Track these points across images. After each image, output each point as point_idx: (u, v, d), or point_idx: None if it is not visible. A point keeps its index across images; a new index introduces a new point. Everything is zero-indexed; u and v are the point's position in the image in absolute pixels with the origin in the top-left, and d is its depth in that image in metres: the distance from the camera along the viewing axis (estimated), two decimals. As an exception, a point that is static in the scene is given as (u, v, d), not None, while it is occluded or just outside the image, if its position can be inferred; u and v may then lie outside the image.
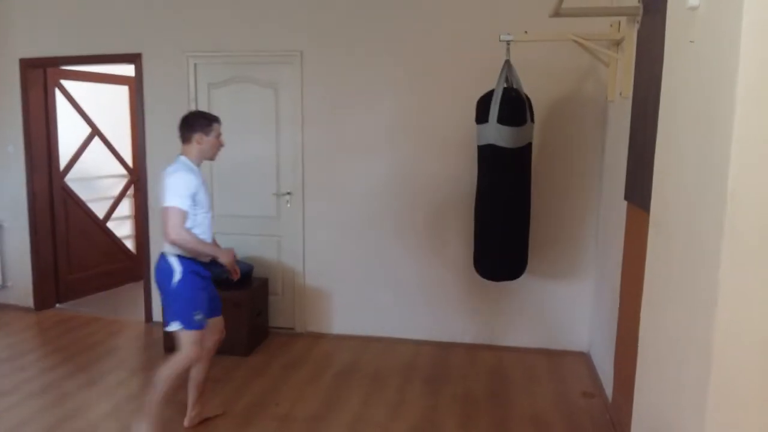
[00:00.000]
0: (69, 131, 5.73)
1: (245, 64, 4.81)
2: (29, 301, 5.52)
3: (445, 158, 4.52)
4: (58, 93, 5.58)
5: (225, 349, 4.36)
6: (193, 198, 3.10)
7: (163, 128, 4.99)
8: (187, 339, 3.12)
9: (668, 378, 2.02)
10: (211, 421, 3.47)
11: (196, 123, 3.21)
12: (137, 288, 5.75)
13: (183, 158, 3.19)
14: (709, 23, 1.75)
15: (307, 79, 4.70)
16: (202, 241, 3.13)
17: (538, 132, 4.19)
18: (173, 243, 3.04)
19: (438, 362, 4.36)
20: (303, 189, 4.80)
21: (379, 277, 4.76)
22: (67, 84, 5.68)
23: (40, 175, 5.46)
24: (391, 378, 4.09)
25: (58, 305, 5.64)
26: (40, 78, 5.41)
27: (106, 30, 5.02)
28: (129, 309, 5.49)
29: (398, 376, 4.11)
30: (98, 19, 5.04)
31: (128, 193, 6.45)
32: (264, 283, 4.82)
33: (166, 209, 3.04)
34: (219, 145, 3.28)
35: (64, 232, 5.68)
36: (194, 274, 3.15)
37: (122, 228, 6.44)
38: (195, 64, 4.88)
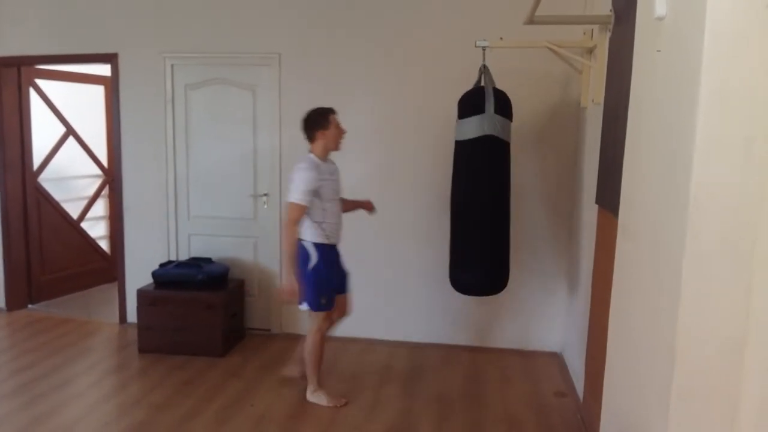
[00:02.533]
0: (43, 131, 5.66)
1: (223, 65, 4.81)
2: (1, 302, 5.45)
3: (424, 160, 4.57)
4: (32, 92, 5.52)
5: (200, 349, 4.39)
6: (317, 193, 3.44)
7: (139, 129, 4.98)
8: (315, 318, 3.60)
9: (635, 378, 2.08)
10: (192, 421, 3.47)
11: (315, 121, 3.55)
12: (111, 289, 5.70)
13: (311, 156, 3.54)
14: (674, 33, 1.81)
15: (285, 81, 4.71)
16: (293, 247, 3.46)
17: (513, 136, 4.25)
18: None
19: (414, 363, 4.40)
20: (280, 190, 4.81)
21: (356, 278, 4.76)
22: (42, 83, 5.61)
23: (13, 175, 5.39)
24: (367, 379, 4.11)
25: (30, 306, 5.57)
26: (14, 77, 5.35)
27: (82, 29, 4.98)
28: (103, 310, 5.44)
29: (374, 377, 4.14)
30: (74, 18, 5.00)
31: (103, 193, 6.39)
32: (240, 285, 4.82)
33: (288, 203, 3.46)
34: (341, 134, 3.61)
35: (37, 233, 5.61)
36: (329, 262, 3.57)
37: (97, 228, 6.37)
38: (172, 65, 4.86)
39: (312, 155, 3.53)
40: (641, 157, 2.10)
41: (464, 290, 3.89)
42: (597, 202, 3.31)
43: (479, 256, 3.74)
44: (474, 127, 3.63)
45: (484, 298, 4.55)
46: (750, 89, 1.56)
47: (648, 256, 1.97)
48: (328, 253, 3.57)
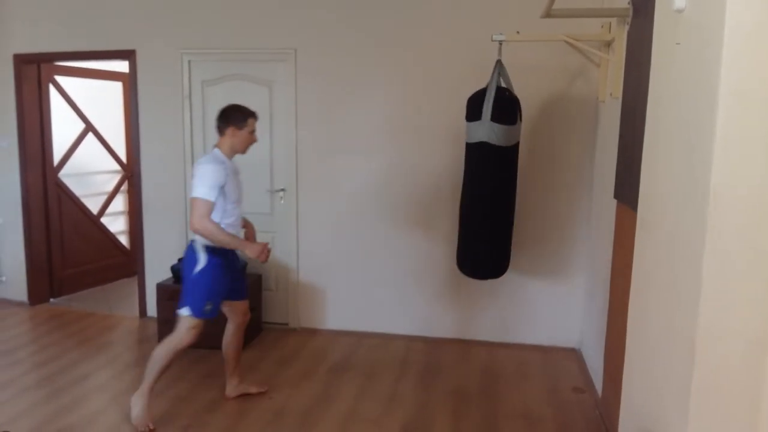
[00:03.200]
0: (63, 127, 5.73)
1: (240, 61, 4.83)
2: (23, 296, 5.54)
3: (439, 155, 4.56)
4: (52, 89, 5.58)
5: (219, 343, 4.41)
6: (222, 190, 3.21)
7: (157, 125, 5.02)
8: (187, 324, 3.27)
9: (654, 373, 2.07)
10: (213, 412, 3.51)
11: (231, 116, 3.32)
12: (131, 283, 5.78)
13: (216, 150, 3.32)
14: (694, 25, 1.79)
15: (301, 77, 4.72)
16: (227, 233, 3.22)
17: (530, 131, 4.24)
18: (196, 232, 3.18)
19: (431, 358, 4.40)
20: (297, 185, 4.83)
21: (372, 273, 4.80)
22: (61, 80, 5.68)
23: (34, 171, 5.47)
24: (384, 373, 4.12)
25: (52, 300, 5.66)
26: (34, 74, 5.41)
27: (101, 26, 5.03)
28: (123, 304, 5.51)
29: (391, 372, 4.15)
30: (92, 15, 5.04)
31: (122, 188, 6.46)
32: (258, 279, 4.85)
33: (193, 199, 3.17)
34: (251, 140, 3.39)
35: (58, 228, 5.69)
36: (217, 267, 3.30)
37: (116, 224, 6.45)
38: (189, 61, 4.89)
39: (218, 150, 3.31)
40: (660, 151, 2.08)
41: (471, 274, 4.00)
42: (616, 197, 3.29)
43: (480, 246, 3.87)
44: (473, 133, 3.73)
45: (502, 293, 4.55)
46: (771, 83, 1.54)
47: (667, 252, 1.95)
48: (220, 257, 3.29)
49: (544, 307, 4.59)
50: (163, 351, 3.28)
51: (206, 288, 3.28)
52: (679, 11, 1.88)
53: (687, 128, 1.80)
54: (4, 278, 5.60)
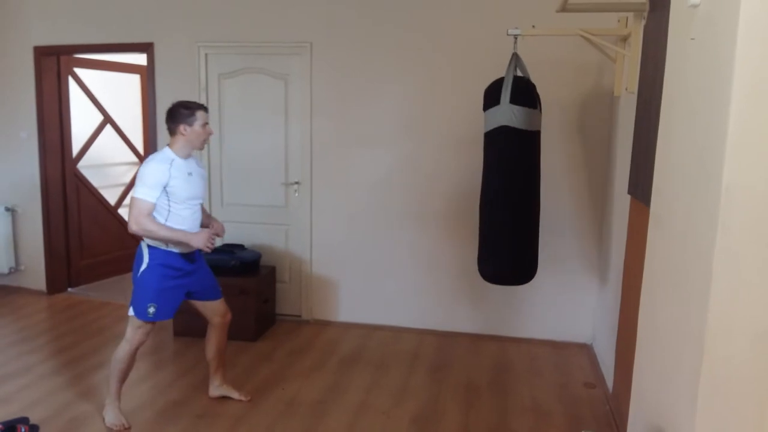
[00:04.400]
0: (82, 118, 5.81)
1: (256, 54, 4.86)
2: (42, 285, 5.63)
3: (453, 150, 4.56)
4: (71, 81, 5.66)
5: (233, 334, 4.45)
6: (166, 189, 3.11)
7: (174, 117, 5.06)
8: (133, 325, 3.22)
9: (664, 369, 2.07)
10: (226, 401, 3.56)
11: (178, 114, 3.20)
12: (147, 274, 5.85)
13: (166, 149, 3.22)
14: (709, 20, 1.79)
15: (317, 71, 4.74)
16: (168, 229, 3.13)
17: (545, 126, 4.21)
18: (134, 233, 3.11)
19: (442, 352, 4.42)
20: (311, 179, 4.86)
21: (385, 266, 4.82)
22: (80, 72, 5.75)
23: (53, 162, 5.55)
24: (395, 366, 4.15)
25: (69, 289, 5.75)
26: (54, 66, 5.48)
27: (119, 19, 5.08)
28: (139, 294, 5.58)
29: (402, 364, 4.18)
30: (111, 8, 5.10)
31: (139, 180, 6.52)
32: (272, 271, 4.89)
33: (132, 199, 3.11)
34: (206, 134, 3.25)
35: (76, 218, 5.77)
36: (162, 267, 3.19)
37: (133, 215, 6.51)
38: (206, 54, 4.93)
39: (168, 149, 3.21)
40: (673, 146, 2.08)
41: (493, 280, 3.82)
42: (629, 193, 3.28)
43: (506, 246, 3.65)
44: (492, 119, 3.58)
45: (514, 288, 4.55)
46: (785, 78, 1.54)
47: (679, 247, 1.95)
48: (164, 258, 3.19)
49: (557, 302, 4.59)
50: (118, 355, 3.25)
51: (148, 289, 3.16)
52: (694, 6, 1.88)
53: (700, 124, 1.80)
54: (23, 267, 5.69)
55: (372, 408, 3.56)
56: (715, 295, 1.65)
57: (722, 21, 1.66)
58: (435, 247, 4.72)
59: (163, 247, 3.19)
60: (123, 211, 6.32)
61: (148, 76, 5.14)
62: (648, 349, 2.33)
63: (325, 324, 4.94)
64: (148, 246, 3.20)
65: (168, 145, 3.24)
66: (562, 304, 4.59)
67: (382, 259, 4.82)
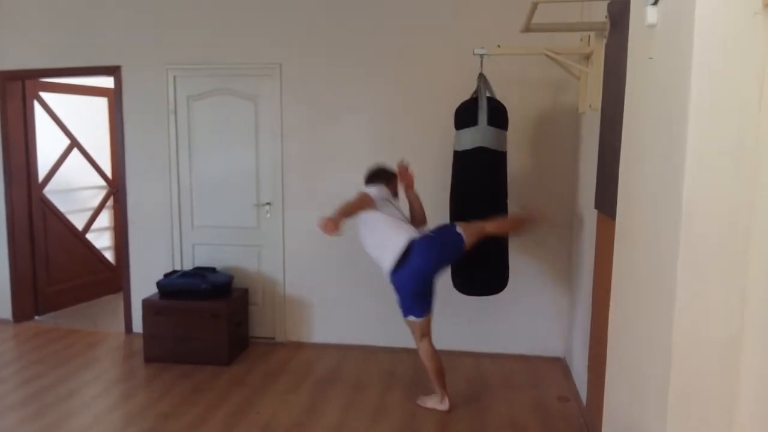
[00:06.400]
0: (48, 143, 5.72)
1: (225, 76, 4.86)
2: (8, 313, 5.49)
3: (424, 167, 4.58)
4: (36, 105, 5.58)
5: (205, 358, 4.42)
6: None
7: (142, 140, 5.03)
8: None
9: (634, 381, 2.10)
10: (198, 428, 3.50)
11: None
12: (117, 299, 5.75)
13: None
14: (665, 41, 1.85)
15: (287, 92, 4.76)
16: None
17: (512, 143, 4.27)
18: None
19: (417, 369, 4.41)
20: (283, 199, 4.85)
21: (358, 286, 4.81)
22: (46, 96, 5.68)
23: (19, 187, 5.44)
24: (371, 385, 4.14)
25: (36, 317, 5.62)
26: (19, 90, 5.41)
27: (85, 42, 5.04)
28: (109, 321, 5.48)
29: (378, 384, 4.16)
30: (77, 32, 5.06)
31: (107, 204, 6.44)
32: (244, 293, 4.85)
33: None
34: None
35: (42, 244, 5.66)
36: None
37: (102, 239, 6.42)
38: (174, 77, 4.92)
39: None
40: (636, 162, 2.13)
41: (465, 291, 3.98)
42: (596, 207, 3.34)
43: (478, 260, 3.77)
44: (468, 139, 3.72)
45: (487, 303, 4.57)
46: (739, 96, 1.59)
47: (644, 260, 1.99)
48: None
49: (530, 317, 4.63)
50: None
51: None
52: (652, 26, 1.94)
53: (660, 141, 1.85)
54: (-13, 295, 5.56)
55: (348, 429, 3.54)
56: (680, 307, 1.69)
57: (678, 40, 1.71)
58: (408, 265, 4.72)
59: None
60: (91, 236, 6.22)
61: (115, 99, 5.09)
62: (618, 361, 2.36)
63: (300, 345, 4.91)
64: None
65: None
66: (534, 318, 4.63)
67: (355, 278, 4.81)
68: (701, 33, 1.60)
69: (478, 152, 3.71)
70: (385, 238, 3.59)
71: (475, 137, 3.69)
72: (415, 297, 3.62)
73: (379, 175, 3.94)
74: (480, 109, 3.65)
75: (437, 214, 4.50)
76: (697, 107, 1.62)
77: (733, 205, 1.63)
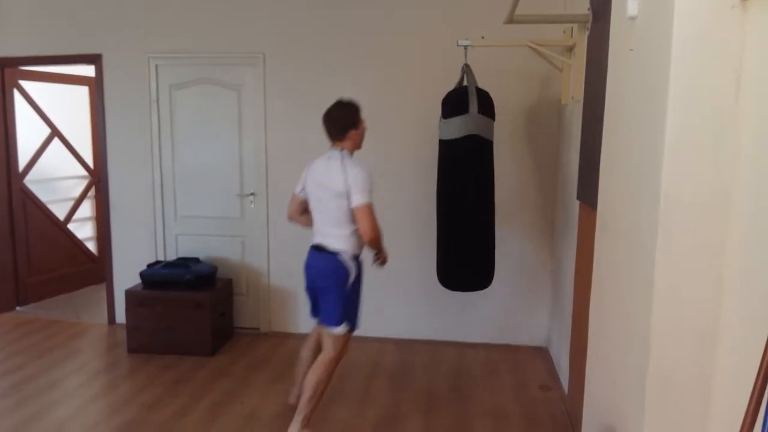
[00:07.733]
0: (28, 132, 5.64)
1: (207, 65, 4.82)
2: (-12, 305, 5.44)
3: (409, 159, 4.61)
4: (16, 93, 5.50)
5: (189, 349, 4.42)
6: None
7: (124, 129, 4.98)
8: (345, 340, 3.24)
9: (613, 369, 2.13)
10: (182, 419, 3.50)
11: (355, 115, 3.34)
12: (99, 290, 5.71)
13: (346, 152, 3.25)
14: (645, 33, 1.86)
15: (270, 81, 4.73)
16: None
17: (497, 134, 4.29)
18: (370, 242, 3.12)
19: (401, 359, 4.45)
20: (267, 189, 4.84)
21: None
22: (26, 84, 5.59)
23: (-2, 177, 5.38)
24: (355, 375, 4.15)
25: (18, 308, 5.56)
26: (-2, 78, 5.33)
27: (66, 30, 4.98)
28: (91, 311, 5.45)
29: (363, 373, 4.18)
30: (58, 20, 4.99)
31: (89, 194, 6.38)
32: (228, 284, 4.84)
33: (362, 208, 3.04)
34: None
35: (23, 235, 5.60)
36: (358, 276, 3.27)
37: (84, 230, 6.36)
38: (156, 65, 4.87)
39: (347, 151, 3.28)
40: (617, 153, 2.15)
41: (453, 287, 3.94)
42: (578, 198, 3.37)
43: (466, 253, 3.78)
44: (458, 127, 3.66)
45: (471, 294, 4.60)
46: (717, 88, 1.62)
47: (624, 251, 2.02)
48: (361, 268, 3.35)
49: (512, 307, 4.67)
50: (325, 376, 3.20)
51: (358, 300, 3.34)
52: (632, 18, 1.96)
53: (640, 132, 1.87)
54: (-33, 287, 5.49)
55: (333, 418, 3.56)
56: (658, 297, 1.72)
57: (658, 33, 1.73)
58: (393, 255, 4.72)
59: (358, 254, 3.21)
60: (73, 226, 6.16)
61: (96, 88, 5.03)
62: (598, 351, 2.40)
63: (284, 336, 4.91)
64: (354, 256, 3.19)
65: (342, 148, 3.25)
66: (517, 308, 4.67)
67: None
68: (680, 26, 1.62)
69: (468, 140, 3.64)
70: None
71: (467, 125, 3.62)
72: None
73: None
74: (471, 96, 3.63)
75: (421, 204, 4.52)
76: (676, 98, 1.64)
77: (711, 195, 1.65)
